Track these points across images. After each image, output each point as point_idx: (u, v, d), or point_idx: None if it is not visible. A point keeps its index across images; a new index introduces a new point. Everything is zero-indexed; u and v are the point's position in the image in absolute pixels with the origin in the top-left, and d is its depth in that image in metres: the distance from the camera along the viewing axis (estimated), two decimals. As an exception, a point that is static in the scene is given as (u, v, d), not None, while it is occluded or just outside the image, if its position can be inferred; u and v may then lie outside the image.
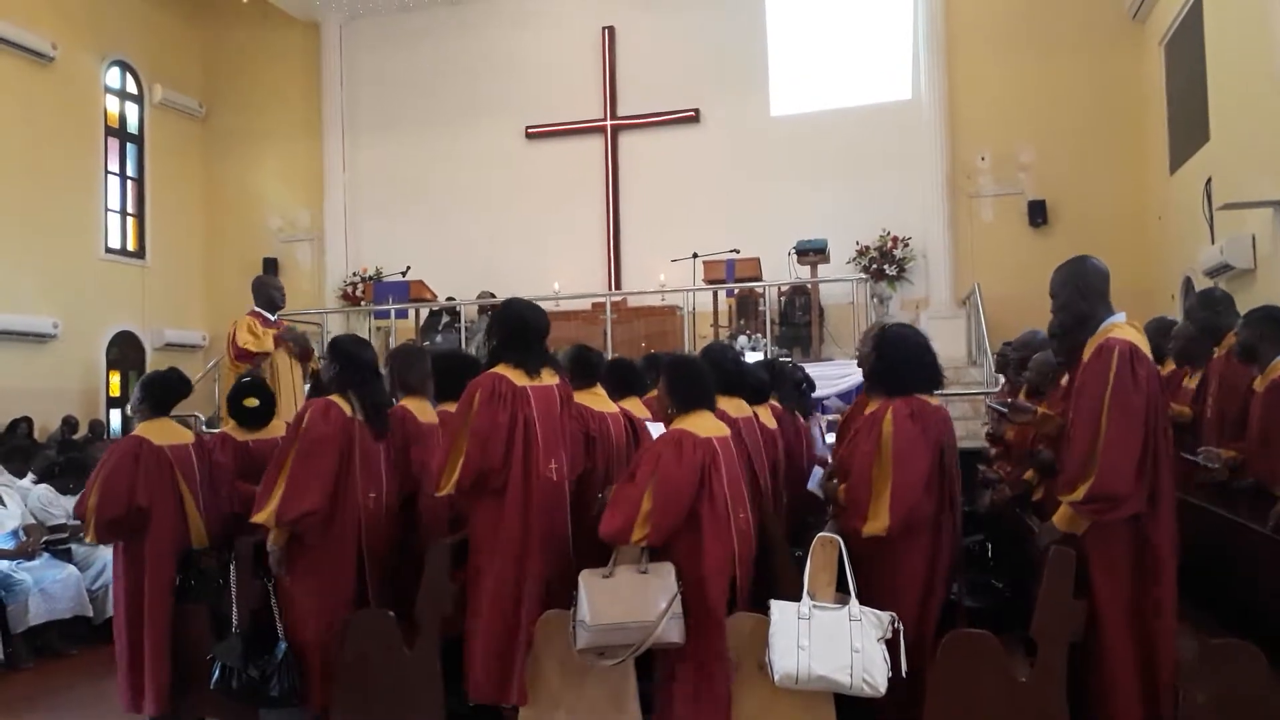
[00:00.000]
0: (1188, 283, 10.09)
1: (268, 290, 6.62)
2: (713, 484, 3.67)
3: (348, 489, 4.11)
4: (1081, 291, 3.48)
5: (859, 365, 4.69)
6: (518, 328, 4.07)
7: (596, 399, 4.56)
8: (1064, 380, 3.80)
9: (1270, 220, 7.85)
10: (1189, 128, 10.00)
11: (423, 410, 4.61)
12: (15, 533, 6.40)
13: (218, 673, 4.09)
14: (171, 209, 14.51)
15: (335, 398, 4.21)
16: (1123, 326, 3.41)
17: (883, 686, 3.37)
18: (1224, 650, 3.14)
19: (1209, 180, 9.22)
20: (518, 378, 3.94)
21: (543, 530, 3.91)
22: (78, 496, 6.89)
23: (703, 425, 3.80)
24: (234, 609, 4.19)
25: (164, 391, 4.73)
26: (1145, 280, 10.74)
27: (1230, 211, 8.41)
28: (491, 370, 3.98)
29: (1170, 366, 5.19)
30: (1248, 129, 8.39)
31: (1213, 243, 8.96)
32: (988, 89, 12.15)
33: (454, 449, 3.83)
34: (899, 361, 3.88)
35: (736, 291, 11.20)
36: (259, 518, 4.03)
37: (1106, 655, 3.28)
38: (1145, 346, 3.38)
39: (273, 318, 6.51)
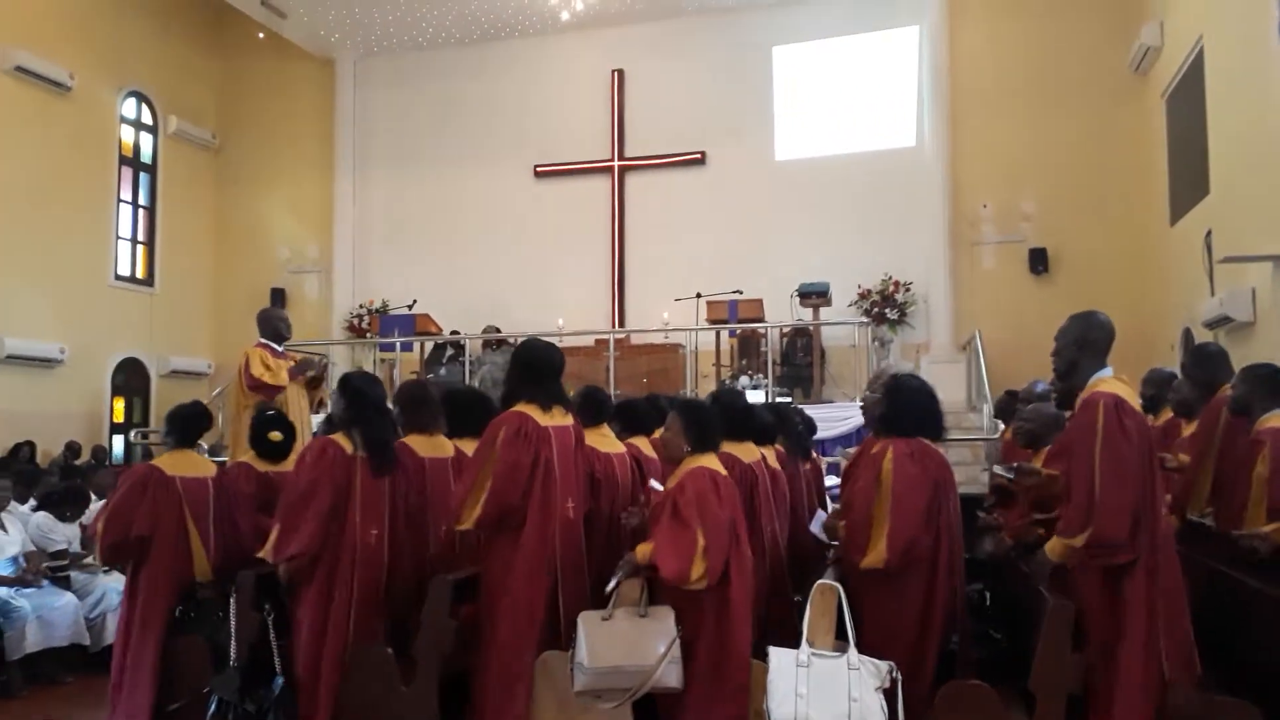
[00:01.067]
0: (1187, 334, 10.13)
1: (273, 322, 6.67)
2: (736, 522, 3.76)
3: (345, 528, 4.11)
4: (1079, 342, 3.57)
5: (862, 409, 4.76)
6: (537, 366, 4.15)
7: (603, 439, 4.60)
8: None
9: (1270, 274, 7.90)
10: (1189, 180, 10.10)
11: (431, 446, 4.62)
12: (16, 559, 6.41)
13: (214, 706, 4.09)
14: (181, 238, 14.66)
15: (337, 436, 4.24)
16: (1109, 380, 3.48)
17: (880, 736, 3.37)
18: (1221, 708, 3.14)
19: (1209, 232, 9.29)
20: (540, 417, 4.01)
21: (564, 568, 3.96)
22: (76, 523, 7.00)
23: (719, 465, 3.89)
24: (232, 642, 4.19)
25: (185, 423, 4.80)
26: (1145, 330, 10.79)
27: (1230, 264, 8.48)
28: (514, 409, 4.03)
29: (1167, 415, 5.25)
30: (1248, 182, 8.48)
31: (1213, 295, 9.02)
32: (991, 137, 12.30)
33: (477, 484, 3.88)
34: (907, 409, 3.97)
35: (739, 331, 11.28)
36: (262, 553, 4.11)
37: (1098, 710, 3.28)
38: (1133, 398, 3.45)
39: (280, 349, 6.56)
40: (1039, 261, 12.02)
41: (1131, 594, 3.27)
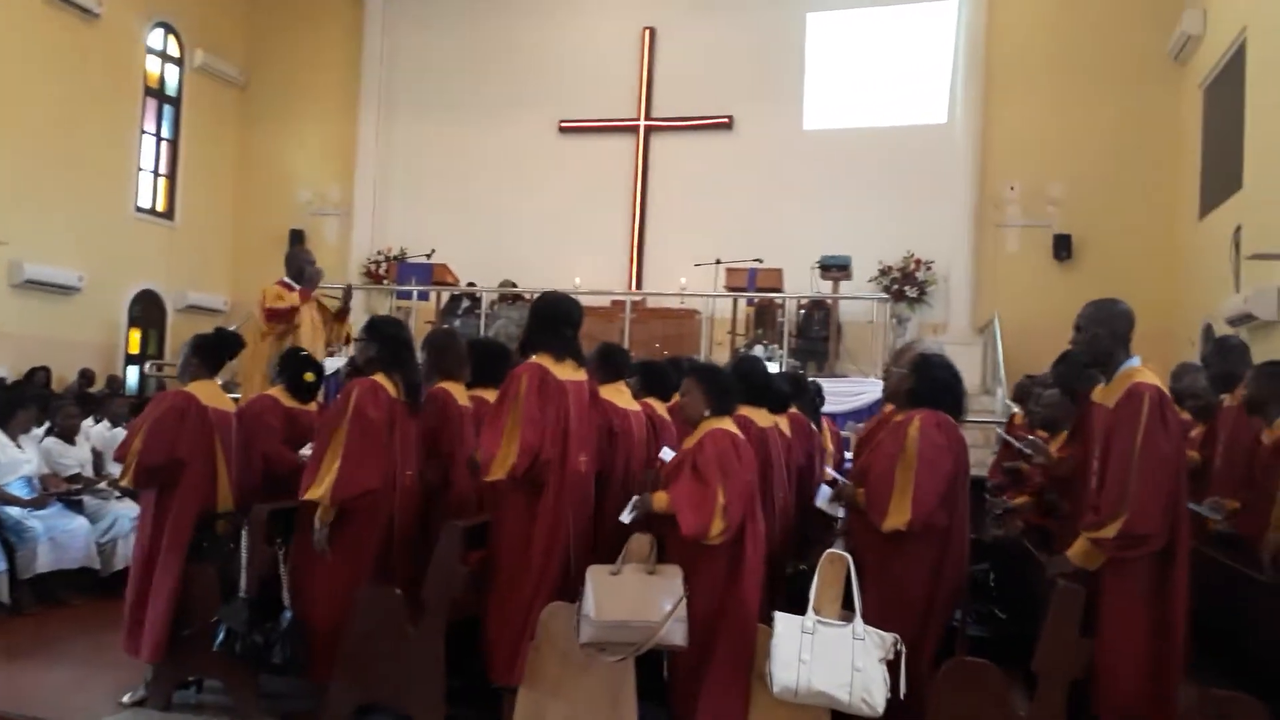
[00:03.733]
0: (1208, 329, 10.06)
1: (299, 262, 6.70)
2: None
3: (389, 468, 4.23)
4: (1110, 331, 3.55)
5: (884, 380, 4.74)
6: (556, 318, 4.17)
7: (620, 395, 4.61)
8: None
9: (1298, 274, 7.84)
10: (1222, 174, 9.97)
11: (460, 394, 4.70)
12: (30, 480, 6.47)
13: (222, 635, 4.15)
14: (203, 173, 14.63)
15: (380, 377, 4.31)
16: (1144, 371, 3.48)
17: (881, 707, 3.40)
18: (1224, 702, 3.15)
19: (1238, 228, 9.19)
20: (558, 370, 4.03)
21: (575, 520, 4.01)
22: (89, 447, 7.05)
23: (735, 428, 3.94)
24: (243, 574, 4.25)
25: (216, 346, 4.81)
26: (1166, 323, 10.70)
27: (1257, 262, 8.39)
28: (532, 361, 4.04)
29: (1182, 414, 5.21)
30: (1282, 181, 8.38)
31: (1237, 291, 8.94)
32: (1023, 118, 12.14)
33: (507, 436, 3.88)
34: (935, 386, 3.97)
35: (756, 300, 11.22)
36: (313, 494, 4.07)
37: (1107, 694, 3.30)
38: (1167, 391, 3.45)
39: (297, 287, 6.56)
40: (1063, 247, 11.92)
41: (1157, 585, 3.29)
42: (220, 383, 4.91)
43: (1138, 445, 3.30)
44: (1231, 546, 4.11)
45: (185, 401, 4.53)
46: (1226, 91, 9.98)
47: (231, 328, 11.58)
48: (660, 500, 3.74)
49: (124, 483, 4.78)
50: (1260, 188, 8.95)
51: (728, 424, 3.92)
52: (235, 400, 5.24)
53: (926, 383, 3.95)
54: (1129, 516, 3.25)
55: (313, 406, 5.12)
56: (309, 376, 5.12)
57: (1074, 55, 11.95)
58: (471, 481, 4.40)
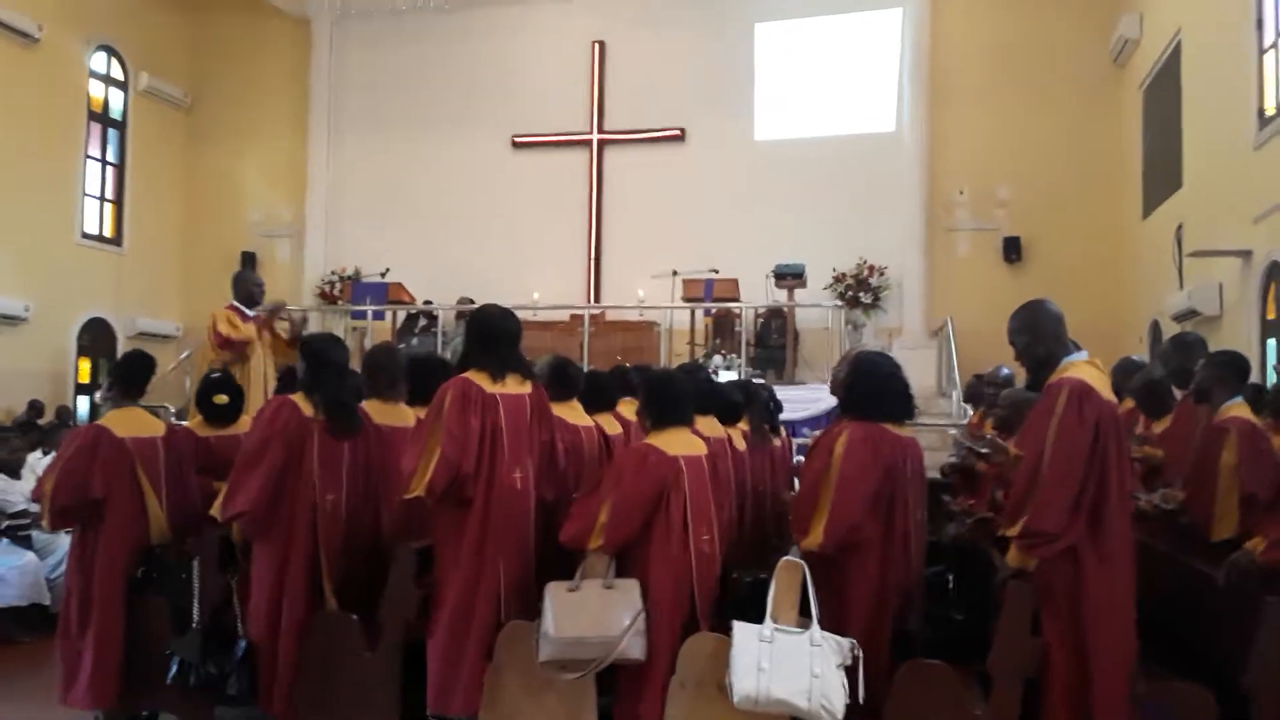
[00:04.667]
0: (1155, 326, 10.28)
1: (247, 285, 6.64)
2: (671, 502, 3.72)
3: (300, 490, 4.07)
4: (1038, 336, 3.53)
5: (831, 390, 4.75)
6: (488, 333, 4.08)
7: (573, 412, 4.59)
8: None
9: (1238, 269, 8.03)
10: (1163, 174, 10.21)
11: (390, 413, 4.55)
12: (-25, 517, 6.33)
13: (175, 668, 4.06)
14: (151, 197, 14.40)
15: (295, 396, 4.19)
16: (1079, 365, 3.45)
17: (840, 713, 3.40)
18: (1173, 693, 3.21)
19: (1180, 226, 9.41)
20: (487, 383, 3.96)
21: (504, 539, 3.90)
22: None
23: (674, 442, 3.85)
24: (195, 604, 4.17)
25: (129, 370, 4.67)
26: (1114, 321, 10.92)
27: (1199, 258, 8.59)
28: (460, 375, 3.98)
29: (1128, 404, 5.30)
30: (1220, 178, 8.59)
31: (1181, 288, 9.14)
32: (970, 124, 12.34)
33: (426, 451, 3.81)
34: (869, 389, 3.88)
35: (714, 311, 11.28)
36: (214, 510, 4.08)
37: (1048, 693, 3.34)
38: (1102, 383, 3.40)
39: (250, 313, 6.50)
40: (1012, 250, 12.12)
41: (1096, 581, 3.29)
42: (173, 410, 4.80)
43: (1049, 440, 3.27)
44: (1182, 535, 4.17)
45: (96, 436, 4.38)
46: (1164, 93, 10.22)
47: (184, 355, 11.44)
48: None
49: (43, 524, 4.64)
50: (1199, 186, 9.18)
51: (665, 438, 3.84)
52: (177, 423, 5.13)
53: (859, 387, 3.88)
54: (1030, 514, 3.25)
55: (245, 427, 4.99)
56: (219, 399, 5.01)
57: (1017, 61, 12.18)
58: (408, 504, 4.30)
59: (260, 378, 6.14)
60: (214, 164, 14.89)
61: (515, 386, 4.03)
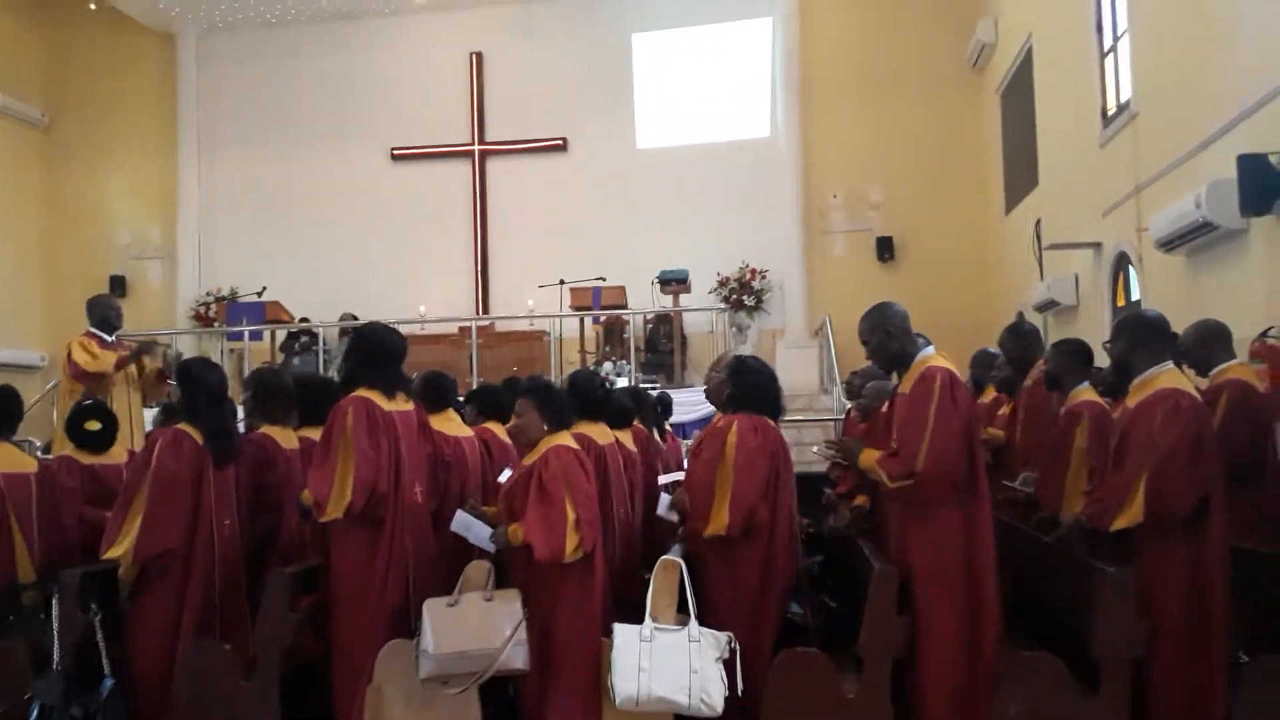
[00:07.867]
0: (1020, 317, 10.76)
1: (102, 309, 6.34)
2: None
3: (200, 519, 4.04)
4: (889, 334, 3.75)
5: (706, 390, 4.89)
6: (379, 351, 4.08)
7: (450, 423, 4.57)
8: (884, 409, 4.06)
9: (1091, 260, 8.50)
10: (1021, 172, 10.73)
11: (284, 437, 4.51)
12: None
13: (35, 712, 3.87)
14: (6, 222, 13.62)
15: (184, 426, 4.12)
16: (936, 356, 3.71)
17: (719, 706, 3.49)
18: (1028, 662, 3.38)
19: (1038, 222, 9.90)
20: (384, 402, 3.96)
21: (417, 553, 3.94)
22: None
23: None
24: (55, 644, 3.98)
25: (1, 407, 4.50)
26: (982, 313, 11.38)
27: (1057, 251, 9.06)
28: (356, 394, 3.95)
29: (991, 394, 5.57)
30: (1072, 174, 9.07)
31: (1041, 280, 9.62)
32: (840, 129, 12.72)
33: (339, 473, 3.79)
34: (752, 389, 4.16)
35: (603, 318, 11.34)
36: (113, 553, 3.92)
37: (926, 667, 3.49)
38: (960, 374, 3.70)
39: (110, 338, 6.23)
40: (885, 249, 12.54)
41: (950, 556, 3.48)
42: (40, 444, 4.60)
43: (930, 419, 3.49)
44: (1034, 514, 4.40)
45: None
46: (1019, 94, 10.75)
47: (50, 385, 10.85)
48: (515, 534, 3.70)
49: None
50: (1054, 182, 9.68)
51: (567, 440, 3.92)
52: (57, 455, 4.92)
53: (741, 386, 4.13)
54: (927, 462, 3.45)
55: (122, 456, 4.83)
56: (92, 425, 4.84)
57: (883, 68, 12.61)
58: (303, 525, 4.27)
59: (124, 408, 5.87)
60: (76, 185, 14.19)
61: (403, 404, 4.08)
